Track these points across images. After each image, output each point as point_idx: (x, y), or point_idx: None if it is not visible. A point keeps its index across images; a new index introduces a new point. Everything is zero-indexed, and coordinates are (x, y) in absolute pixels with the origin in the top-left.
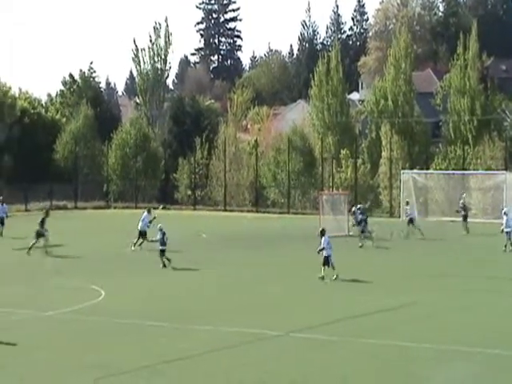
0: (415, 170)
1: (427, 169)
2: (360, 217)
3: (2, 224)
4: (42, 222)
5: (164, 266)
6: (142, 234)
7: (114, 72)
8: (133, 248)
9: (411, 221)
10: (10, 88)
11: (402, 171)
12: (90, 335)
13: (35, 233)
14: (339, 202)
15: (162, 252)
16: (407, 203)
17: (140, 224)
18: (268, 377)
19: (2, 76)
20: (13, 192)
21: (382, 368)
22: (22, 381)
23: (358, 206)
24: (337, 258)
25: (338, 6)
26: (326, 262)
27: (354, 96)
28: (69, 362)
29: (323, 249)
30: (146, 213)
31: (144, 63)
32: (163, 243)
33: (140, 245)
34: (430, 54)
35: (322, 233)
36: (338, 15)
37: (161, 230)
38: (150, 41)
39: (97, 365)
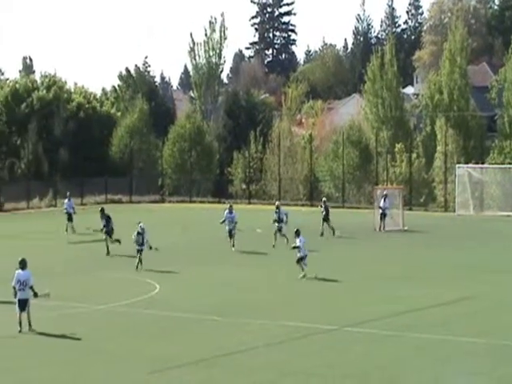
0: (470, 165)
1: (482, 163)
2: (276, 216)
3: (71, 220)
4: (108, 220)
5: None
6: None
7: (169, 66)
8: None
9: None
10: (65, 83)
11: (457, 165)
12: (145, 328)
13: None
14: (394, 197)
15: (139, 252)
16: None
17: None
18: (322, 370)
19: (58, 71)
20: (68, 186)
21: (436, 363)
22: (81, 373)
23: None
24: (387, 253)
25: (392, 0)
26: (300, 261)
27: (409, 90)
28: (125, 355)
29: (298, 247)
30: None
31: (199, 57)
32: (139, 243)
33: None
34: (485, 48)
35: (297, 233)
36: (393, 9)
37: (141, 228)
38: (206, 35)
39: (153, 358)
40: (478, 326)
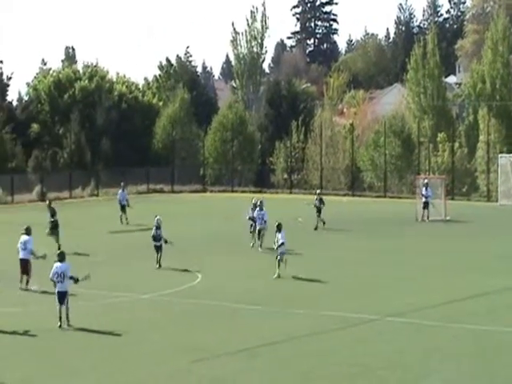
0: None
1: None
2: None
3: (124, 211)
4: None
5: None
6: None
7: (210, 56)
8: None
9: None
10: (107, 72)
11: (499, 155)
12: (188, 318)
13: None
14: (436, 187)
15: (156, 248)
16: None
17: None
18: (364, 360)
19: (100, 61)
20: (111, 175)
21: (483, 355)
22: (124, 362)
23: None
24: (429, 243)
25: None
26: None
27: (451, 79)
28: (168, 345)
29: (282, 244)
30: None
31: (241, 47)
32: (157, 239)
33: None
34: None
35: (279, 227)
36: None
37: (157, 222)
38: (247, 25)
39: (195, 347)
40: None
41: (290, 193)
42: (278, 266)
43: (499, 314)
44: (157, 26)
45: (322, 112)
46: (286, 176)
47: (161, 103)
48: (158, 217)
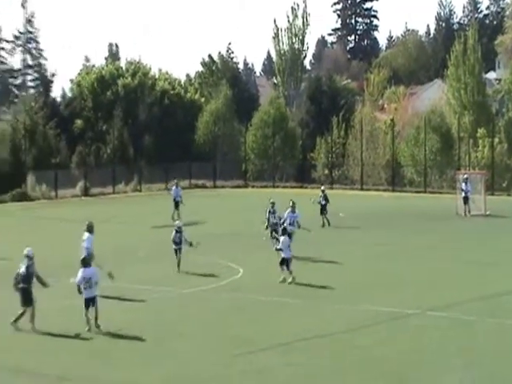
0: None
1: None
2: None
3: (177, 208)
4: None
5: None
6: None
7: (252, 53)
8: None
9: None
10: (150, 69)
11: None
12: (229, 312)
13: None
14: (476, 182)
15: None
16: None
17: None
18: (404, 356)
19: (142, 57)
20: (153, 171)
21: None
22: (168, 355)
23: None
24: (470, 237)
25: None
26: (283, 263)
27: (491, 75)
28: (211, 338)
29: (281, 249)
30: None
31: (282, 44)
32: (176, 242)
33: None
34: None
35: (283, 232)
36: None
37: (178, 227)
38: (289, 21)
39: (237, 341)
40: None
41: (331, 188)
42: (283, 269)
43: None
44: (199, 22)
45: (363, 108)
46: (326, 171)
47: (203, 99)
48: (177, 221)
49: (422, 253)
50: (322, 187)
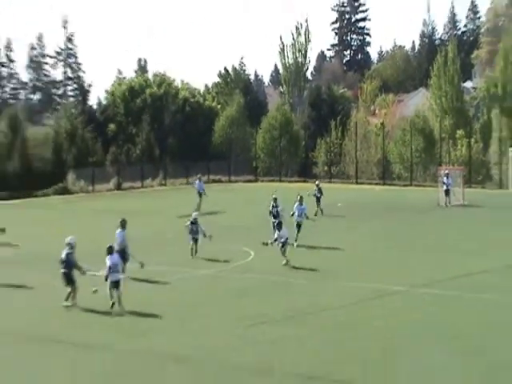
0: None
1: None
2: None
3: (201, 199)
4: None
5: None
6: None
7: (261, 66)
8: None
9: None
10: (173, 80)
11: (510, 149)
12: (242, 290)
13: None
14: (455, 176)
15: (193, 240)
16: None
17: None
18: (398, 329)
19: (167, 70)
20: (176, 168)
21: (494, 321)
22: (193, 333)
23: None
24: (449, 224)
25: (453, 7)
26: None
27: (468, 84)
28: (225, 313)
29: (287, 239)
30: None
31: (287, 58)
32: (193, 232)
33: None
34: None
35: (279, 226)
36: (454, 14)
37: (194, 219)
38: (293, 38)
39: (249, 315)
40: None
41: (330, 182)
42: (285, 254)
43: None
44: (216, 39)
45: (357, 113)
46: (326, 168)
47: (219, 106)
48: (194, 213)
49: (409, 238)
50: (317, 182)
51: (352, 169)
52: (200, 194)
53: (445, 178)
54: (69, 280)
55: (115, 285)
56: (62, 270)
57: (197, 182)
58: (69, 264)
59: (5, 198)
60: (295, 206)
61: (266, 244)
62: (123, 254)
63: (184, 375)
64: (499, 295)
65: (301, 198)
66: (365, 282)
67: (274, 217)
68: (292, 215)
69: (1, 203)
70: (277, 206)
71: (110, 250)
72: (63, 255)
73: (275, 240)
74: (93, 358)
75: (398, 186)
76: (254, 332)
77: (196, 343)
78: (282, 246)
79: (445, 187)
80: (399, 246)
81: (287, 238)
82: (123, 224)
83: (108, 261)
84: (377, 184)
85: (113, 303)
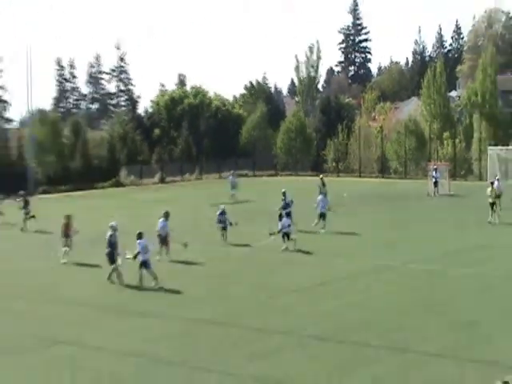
0: (499, 147)
1: (507, 146)
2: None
3: (234, 191)
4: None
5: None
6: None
7: (280, 79)
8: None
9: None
10: (207, 92)
11: (488, 148)
12: (265, 266)
13: None
14: (442, 171)
15: (221, 229)
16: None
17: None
18: (391, 296)
19: (202, 83)
20: (210, 165)
21: (476, 292)
22: (224, 300)
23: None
24: (436, 210)
25: (441, 29)
26: (283, 236)
27: (453, 93)
28: (252, 284)
29: (289, 226)
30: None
31: (302, 73)
32: (222, 221)
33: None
34: (509, 62)
35: (285, 216)
36: (441, 35)
37: (221, 209)
38: (306, 57)
39: (271, 286)
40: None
41: (338, 176)
42: (285, 240)
43: (493, 261)
44: (243, 57)
45: (360, 118)
46: (334, 164)
47: (245, 114)
48: (222, 205)
49: (404, 222)
50: (321, 176)
51: (356, 164)
52: (233, 187)
53: (433, 172)
54: (111, 259)
55: (145, 264)
56: (106, 250)
57: (230, 177)
58: (111, 244)
59: (69, 190)
60: (319, 198)
61: (273, 233)
62: (164, 240)
63: (215, 336)
64: (474, 269)
65: (325, 192)
66: (364, 259)
67: (284, 208)
68: (317, 207)
69: (66, 195)
70: (285, 199)
71: (139, 235)
72: (107, 237)
73: (280, 230)
74: (146, 323)
75: (394, 179)
76: (274, 300)
77: (222, 311)
78: (283, 235)
79: (433, 180)
80: (395, 229)
81: (288, 227)
82: (166, 215)
83: (138, 244)
84: (376, 177)
85: (140, 279)
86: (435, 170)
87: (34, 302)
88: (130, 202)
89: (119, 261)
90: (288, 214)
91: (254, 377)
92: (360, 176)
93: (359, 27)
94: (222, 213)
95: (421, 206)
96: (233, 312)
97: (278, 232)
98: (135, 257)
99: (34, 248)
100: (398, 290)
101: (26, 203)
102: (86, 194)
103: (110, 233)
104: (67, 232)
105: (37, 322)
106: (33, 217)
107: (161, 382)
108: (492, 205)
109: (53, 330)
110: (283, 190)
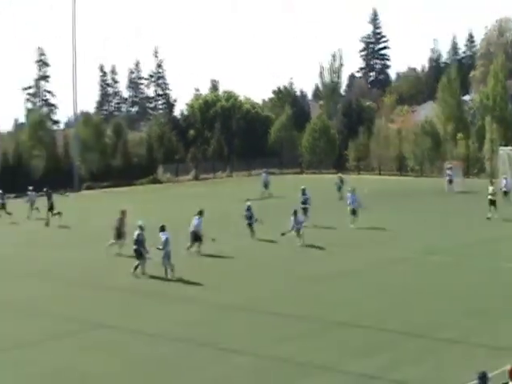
0: (509, 147)
1: None
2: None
3: (266, 188)
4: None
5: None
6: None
7: (306, 84)
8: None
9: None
10: (238, 96)
11: (499, 148)
12: (298, 253)
13: None
14: (457, 169)
15: (250, 225)
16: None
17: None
18: (408, 283)
19: (233, 87)
20: (240, 163)
21: (488, 282)
22: (256, 286)
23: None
24: (451, 205)
25: (455, 37)
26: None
27: (467, 97)
28: (285, 270)
29: (301, 222)
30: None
31: (326, 78)
32: (248, 218)
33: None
34: None
35: (162, 229)
36: (456, 43)
37: (248, 206)
38: (330, 63)
39: (301, 275)
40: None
41: (359, 174)
42: (299, 236)
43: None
44: (271, 63)
45: (380, 120)
46: (355, 163)
47: (273, 116)
48: (248, 202)
49: (421, 216)
50: (339, 174)
51: (375, 163)
52: (265, 185)
53: (448, 171)
54: (139, 255)
55: (168, 256)
56: (134, 247)
57: (264, 174)
58: (138, 242)
59: (111, 186)
60: (349, 195)
61: (285, 233)
62: (197, 236)
63: (246, 321)
64: (488, 260)
65: (353, 189)
66: (384, 250)
67: (303, 203)
68: (349, 204)
69: (108, 191)
70: (304, 195)
71: (162, 228)
72: (135, 235)
73: (293, 227)
74: (182, 308)
75: (412, 177)
76: (304, 285)
77: (256, 295)
78: (298, 230)
79: (448, 178)
80: (413, 222)
81: (302, 223)
82: (201, 212)
83: (162, 236)
84: (394, 175)
85: (166, 270)
86: (450, 168)
87: (76, 288)
88: (167, 197)
89: (147, 255)
90: (305, 210)
91: (282, 359)
92: (379, 174)
93: (379, 36)
94: (248, 209)
95: (437, 202)
96: (262, 299)
97: (291, 230)
98: (162, 248)
99: (77, 239)
100: (415, 279)
101: (49, 198)
102: (126, 190)
103: (137, 232)
104: (122, 226)
105: (78, 306)
106: (59, 213)
107: (196, 364)
108: (492, 202)
109: (94, 314)
110: (302, 187)
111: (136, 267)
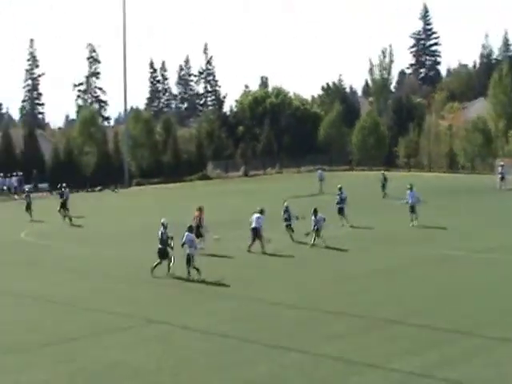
0: None
1: None
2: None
3: (321, 186)
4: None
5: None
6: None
7: (355, 81)
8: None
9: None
10: (287, 92)
11: None
12: (331, 254)
13: None
14: (508, 167)
15: (288, 226)
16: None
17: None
18: (454, 283)
19: (282, 84)
20: (289, 160)
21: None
22: (294, 285)
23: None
24: (503, 202)
25: (507, 33)
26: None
27: None
28: (322, 269)
29: (314, 227)
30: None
31: (375, 74)
32: (286, 219)
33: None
34: None
35: (190, 229)
36: (507, 39)
37: (285, 207)
38: (379, 60)
39: (334, 272)
40: None
41: (409, 171)
42: (317, 236)
43: None
44: (321, 60)
45: (430, 117)
46: (405, 160)
47: (323, 112)
48: (285, 203)
49: (472, 212)
50: (382, 171)
51: (426, 160)
52: (321, 180)
53: (500, 168)
54: (164, 254)
55: (189, 257)
56: (158, 246)
57: (319, 171)
58: (163, 241)
59: (161, 182)
60: (407, 193)
61: (308, 233)
62: (258, 234)
63: (293, 318)
64: None
65: (411, 186)
66: (431, 247)
67: (338, 203)
68: (406, 203)
69: (159, 186)
70: (341, 194)
71: (189, 229)
72: (159, 234)
73: (314, 226)
74: (231, 305)
75: (463, 174)
76: (340, 283)
77: (301, 294)
78: (317, 229)
79: (500, 175)
80: (462, 220)
81: (321, 222)
82: (261, 211)
83: (185, 237)
84: (445, 172)
85: (188, 271)
86: (502, 166)
87: (126, 284)
88: (216, 192)
89: (171, 253)
90: (341, 209)
91: (330, 356)
92: (430, 171)
93: (429, 32)
94: (286, 210)
95: (488, 199)
96: (308, 296)
97: (313, 230)
98: (183, 245)
99: (118, 237)
100: (461, 277)
101: (62, 196)
102: (176, 186)
103: (161, 230)
104: (200, 222)
105: (128, 302)
106: (70, 219)
107: (244, 360)
108: None
109: (147, 310)
110: (339, 186)
111: (169, 267)
